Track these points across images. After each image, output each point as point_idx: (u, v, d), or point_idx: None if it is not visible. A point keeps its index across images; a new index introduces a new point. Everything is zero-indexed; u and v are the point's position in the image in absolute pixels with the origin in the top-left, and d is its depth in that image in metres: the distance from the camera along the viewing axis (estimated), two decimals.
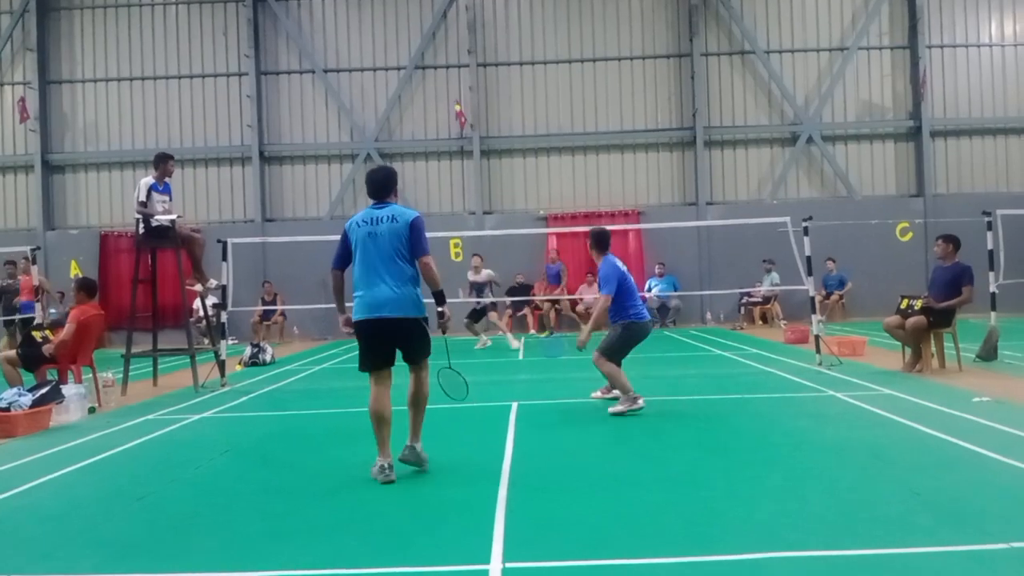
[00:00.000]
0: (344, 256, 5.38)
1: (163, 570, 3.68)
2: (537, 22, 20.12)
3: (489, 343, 15.12)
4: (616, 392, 7.58)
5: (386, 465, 5.11)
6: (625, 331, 7.56)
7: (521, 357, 13.25)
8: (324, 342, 17.94)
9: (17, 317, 13.46)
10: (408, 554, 3.76)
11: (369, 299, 5.15)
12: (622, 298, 7.56)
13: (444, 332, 5.41)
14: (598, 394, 8.18)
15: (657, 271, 18.92)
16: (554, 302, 18.61)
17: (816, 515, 4.15)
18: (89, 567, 3.76)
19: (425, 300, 5.30)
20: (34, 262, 11.63)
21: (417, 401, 5.33)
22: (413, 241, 5.19)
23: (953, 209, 17.50)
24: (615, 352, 7.53)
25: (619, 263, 7.76)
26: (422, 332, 5.25)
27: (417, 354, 5.31)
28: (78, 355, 9.10)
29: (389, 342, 5.22)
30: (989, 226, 10.69)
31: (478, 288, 15.05)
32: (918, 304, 9.49)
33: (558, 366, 11.37)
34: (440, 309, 5.31)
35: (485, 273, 15.13)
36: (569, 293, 18.68)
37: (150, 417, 7.98)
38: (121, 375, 9.93)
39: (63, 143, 20.39)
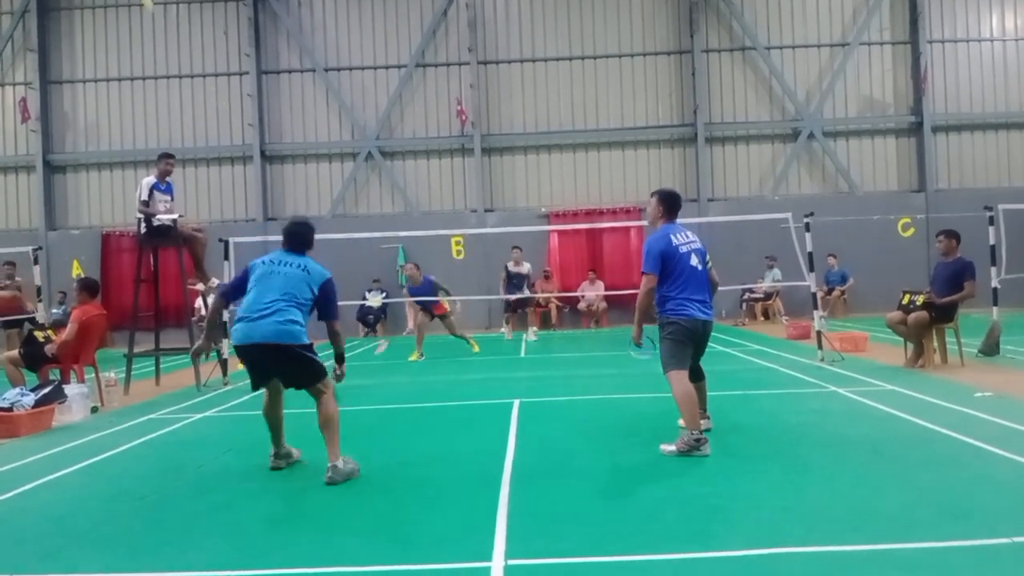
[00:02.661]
0: (236, 290, 5.41)
1: (166, 569, 3.68)
2: (537, 19, 20.10)
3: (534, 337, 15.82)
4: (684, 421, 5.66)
5: (272, 455, 5.54)
6: (663, 331, 5.80)
7: (523, 354, 13.25)
8: (326, 339, 17.90)
9: (9, 318, 13.34)
10: (410, 552, 3.76)
11: (252, 323, 5.15)
12: (663, 285, 5.80)
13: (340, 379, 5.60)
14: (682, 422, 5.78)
15: None
16: (559, 299, 18.60)
17: (818, 511, 4.15)
18: (92, 566, 3.77)
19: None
20: (36, 262, 11.60)
21: (326, 423, 5.22)
22: (324, 302, 5.37)
23: (955, 204, 17.49)
24: (667, 363, 5.72)
25: (674, 236, 5.99)
26: (304, 359, 5.23)
27: (303, 381, 5.30)
28: (80, 355, 9.11)
29: (270, 367, 5.30)
30: (991, 221, 10.69)
31: (519, 281, 15.80)
32: (920, 299, 9.47)
33: (559, 364, 11.36)
34: (339, 369, 5.53)
35: (526, 266, 15.99)
36: (570, 291, 18.68)
37: (152, 416, 7.98)
38: (123, 375, 9.94)
39: (64, 143, 20.41)
